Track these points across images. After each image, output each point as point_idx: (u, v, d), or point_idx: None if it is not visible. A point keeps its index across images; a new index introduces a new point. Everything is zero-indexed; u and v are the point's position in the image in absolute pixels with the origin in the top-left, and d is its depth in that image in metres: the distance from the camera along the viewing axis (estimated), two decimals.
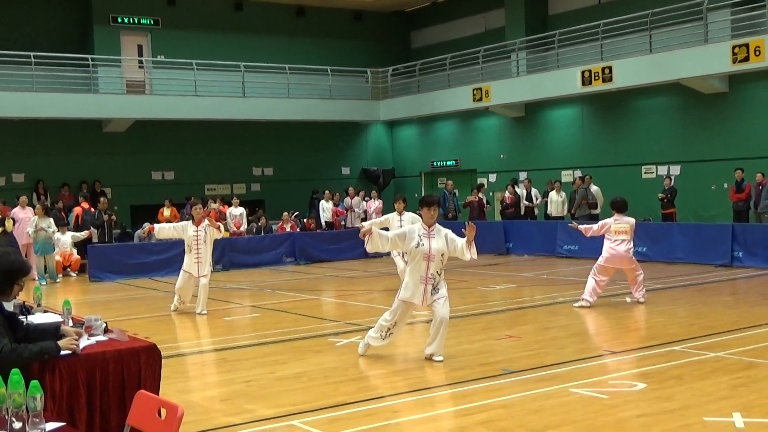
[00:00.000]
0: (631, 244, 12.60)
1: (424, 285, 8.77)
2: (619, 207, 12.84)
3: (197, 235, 12.99)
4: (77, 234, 19.67)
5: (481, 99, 24.92)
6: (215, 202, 23.00)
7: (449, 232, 8.89)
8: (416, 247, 8.76)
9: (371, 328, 9.47)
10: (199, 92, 24.99)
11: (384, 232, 9.17)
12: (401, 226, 12.25)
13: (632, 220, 12.78)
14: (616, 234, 12.54)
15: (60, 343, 5.00)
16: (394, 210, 14.49)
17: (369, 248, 9.00)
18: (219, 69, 25.68)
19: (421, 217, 9.16)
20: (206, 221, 13.16)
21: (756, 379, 7.71)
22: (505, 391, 7.57)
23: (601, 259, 12.65)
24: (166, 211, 22.17)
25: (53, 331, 5.21)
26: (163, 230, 13.53)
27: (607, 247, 12.58)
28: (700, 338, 9.78)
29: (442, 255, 8.76)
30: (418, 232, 8.82)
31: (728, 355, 8.76)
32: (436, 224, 8.92)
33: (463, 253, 8.70)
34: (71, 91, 23.14)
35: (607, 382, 7.88)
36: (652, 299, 12.92)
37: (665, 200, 20.48)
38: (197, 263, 12.99)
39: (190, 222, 13.17)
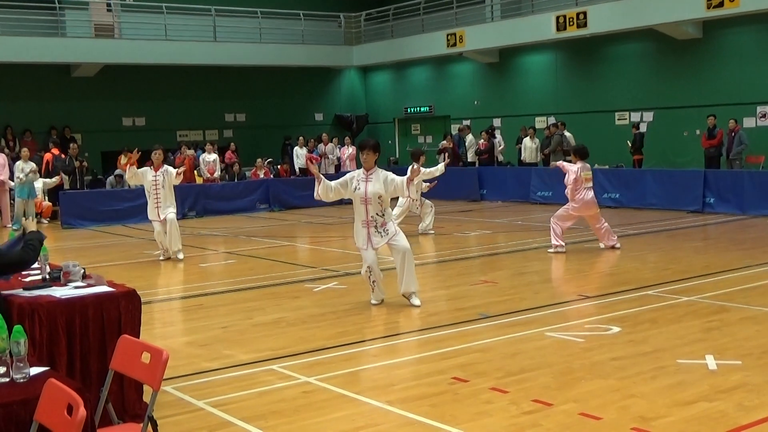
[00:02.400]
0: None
1: (367, 229, 8.87)
2: (584, 154, 12.84)
3: (156, 180, 12.92)
4: (48, 180, 19.46)
5: (455, 44, 24.75)
6: (189, 149, 22.78)
7: (390, 173, 8.94)
8: (354, 191, 8.87)
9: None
10: (170, 36, 24.57)
11: (330, 181, 9.12)
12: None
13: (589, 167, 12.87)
14: (587, 181, 12.58)
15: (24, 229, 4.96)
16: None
17: (316, 195, 9.02)
18: (189, 12, 25.22)
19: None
20: (165, 166, 13.07)
21: (728, 323, 7.85)
22: (482, 336, 7.65)
23: (569, 207, 12.64)
24: (123, 159, 21.87)
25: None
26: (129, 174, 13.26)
27: (578, 197, 12.54)
28: (673, 283, 9.91)
29: (379, 197, 8.79)
30: (356, 177, 8.90)
31: (700, 299, 8.90)
32: (377, 168, 8.94)
33: (403, 190, 8.85)
34: (38, 34, 22.66)
35: (582, 326, 7.98)
36: (625, 245, 13.05)
37: (632, 148, 20.65)
38: (157, 207, 12.95)
39: (150, 167, 13.06)
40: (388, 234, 8.87)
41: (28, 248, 4.74)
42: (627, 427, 5.17)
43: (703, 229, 15.55)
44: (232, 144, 24.55)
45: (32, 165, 18.68)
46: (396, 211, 14.69)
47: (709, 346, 7.01)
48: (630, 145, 20.63)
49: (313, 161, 23.43)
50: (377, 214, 8.84)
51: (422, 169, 14.47)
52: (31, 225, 5.02)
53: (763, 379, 6.05)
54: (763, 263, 11.07)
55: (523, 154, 22.79)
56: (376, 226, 8.85)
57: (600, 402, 5.65)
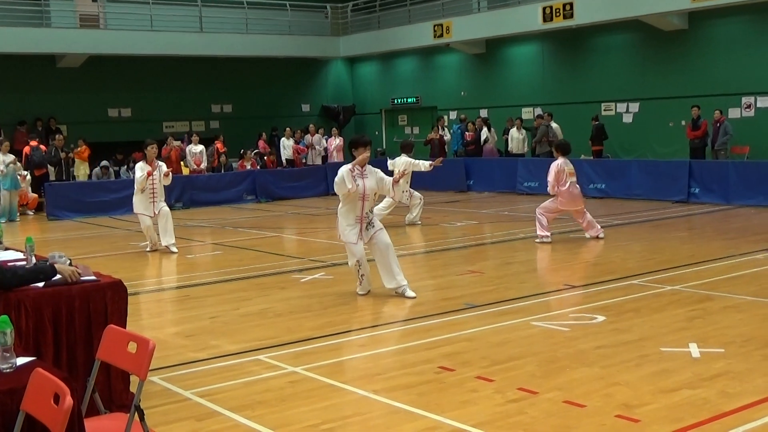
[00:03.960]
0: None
1: (360, 224, 8.94)
2: (566, 150, 12.89)
3: (153, 176, 12.86)
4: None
5: (442, 35, 24.74)
6: (176, 140, 22.71)
7: (379, 171, 9.06)
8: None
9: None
10: (155, 27, 24.45)
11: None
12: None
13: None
14: (571, 175, 12.62)
15: (57, 266, 4.93)
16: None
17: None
18: (175, 3, 25.10)
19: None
20: (158, 162, 13.00)
21: (711, 311, 7.92)
22: (469, 325, 7.69)
23: (558, 201, 12.67)
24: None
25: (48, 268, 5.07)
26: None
27: (563, 190, 12.58)
28: (658, 272, 9.98)
29: (374, 194, 9.03)
30: (353, 173, 8.89)
31: (684, 289, 8.97)
32: (367, 164, 9.02)
33: (389, 190, 9.15)
34: (22, 24, 22.51)
35: (567, 315, 8.04)
36: (611, 235, 13.12)
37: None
38: (152, 203, 12.88)
39: (143, 162, 12.96)
40: (374, 228, 8.98)
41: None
42: (611, 414, 5.22)
43: (687, 219, 15.65)
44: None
45: (11, 156, 18.59)
46: (385, 202, 14.80)
47: (693, 334, 7.08)
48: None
49: (300, 152, 23.49)
50: (370, 210, 9.01)
51: (411, 161, 14.70)
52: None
53: (746, 367, 6.12)
54: (746, 253, 11.16)
55: (510, 145, 22.84)
56: (368, 222, 8.95)
57: (584, 390, 5.70)
